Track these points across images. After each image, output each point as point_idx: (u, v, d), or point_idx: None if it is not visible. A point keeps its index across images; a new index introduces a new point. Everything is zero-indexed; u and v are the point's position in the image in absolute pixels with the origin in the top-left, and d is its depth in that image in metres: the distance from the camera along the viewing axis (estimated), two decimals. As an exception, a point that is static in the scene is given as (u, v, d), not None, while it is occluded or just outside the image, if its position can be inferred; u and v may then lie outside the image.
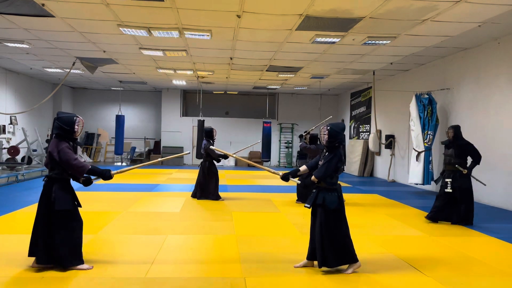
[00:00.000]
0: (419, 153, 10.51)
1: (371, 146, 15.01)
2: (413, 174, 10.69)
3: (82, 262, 4.22)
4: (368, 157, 15.90)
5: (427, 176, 10.44)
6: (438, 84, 11.08)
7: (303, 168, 4.74)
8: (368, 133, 16.07)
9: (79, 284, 3.85)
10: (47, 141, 17.15)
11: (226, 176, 14.28)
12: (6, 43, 10.39)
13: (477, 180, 6.98)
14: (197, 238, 5.72)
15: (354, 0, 6.77)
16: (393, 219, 7.25)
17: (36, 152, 15.40)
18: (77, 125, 4.25)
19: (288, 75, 14.29)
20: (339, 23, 7.95)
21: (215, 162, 8.96)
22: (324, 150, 4.55)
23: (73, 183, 4.40)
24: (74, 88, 20.36)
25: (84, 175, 4.21)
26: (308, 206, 4.41)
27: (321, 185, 4.39)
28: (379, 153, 15.31)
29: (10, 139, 15.18)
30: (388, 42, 9.26)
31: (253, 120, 20.12)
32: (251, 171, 16.95)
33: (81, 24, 8.51)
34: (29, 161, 14.84)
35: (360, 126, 17.06)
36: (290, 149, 20.27)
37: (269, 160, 17.65)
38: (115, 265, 4.34)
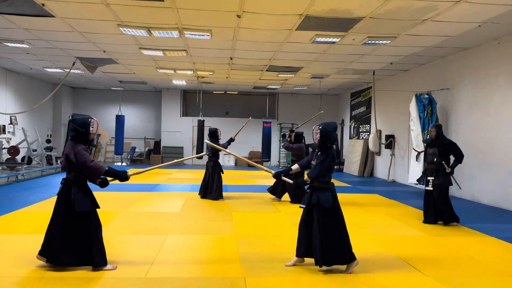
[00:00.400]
0: (419, 153, 10.51)
1: (371, 146, 15.01)
2: (413, 174, 10.69)
3: (106, 263, 4.24)
4: (368, 157, 15.90)
5: (427, 176, 10.43)
6: (438, 84, 11.08)
7: (295, 167, 4.75)
8: (368, 133, 16.07)
9: (79, 284, 3.85)
10: (47, 141, 17.16)
11: (226, 176, 14.25)
12: (6, 43, 10.39)
13: (455, 181, 6.96)
14: (197, 238, 5.72)
15: (354, 0, 6.77)
16: (393, 219, 7.25)
17: (36, 152, 15.40)
18: (92, 127, 4.26)
19: (288, 75, 14.29)
20: (339, 23, 7.95)
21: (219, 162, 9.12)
22: (317, 150, 4.54)
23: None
24: (74, 88, 20.36)
25: (101, 176, 4.22)
26: (303, 206, 4.41)
27: (315, 185, 4.40)
28: (379, 153, 15.32)
29: (10, 139, 15.18)
30: (388, 42, 9.26)
31: (253, 120, 20.03)
32: (251, 171, 16.95)
33: (81, 24, 8.51)
34: (29, 161, 14.85)
35: (360, 126, 17.06)
36: (290, 149, 20.25)
37: (269, 160, 17.64)
38: (114, 265, 4.33)
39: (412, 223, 6.88)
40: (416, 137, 10.69)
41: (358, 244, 5.41)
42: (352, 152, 16.98)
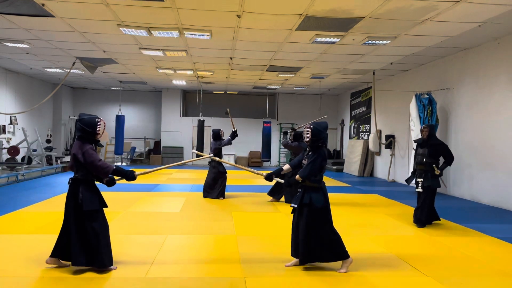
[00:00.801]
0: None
1: (371, 146, 15.01)
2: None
3: (112, 263, 4.24)
4: (368, 157, 15.90)
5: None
6: (438, 84, 11.08)
7: (286, 167, 4.75)
8: (368, 133, 16.07)
9: (79, 284, 3.86)
10: (47, 141, 17.16)
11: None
12: (6, 43, 10.39)
13: (441, 180, 6.91)
14: (197, 238, 5.72)
15: (354, 0, 6.77)
16: (393, 219, 7.25)
17: (36, 152, 15.40)
18: (99, 127, 4.26)
19: (288, 75, 14.29)
20: (339, 23, 7.95)
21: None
22: (308, 149, 4.55)
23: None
24: (74, 88, 20.36)
25: (109, 175, 4.22)
26: (295, 205, 4.42)
27: (307, 184, 4.40)
28: (379, 153, 15.32)
29: (10, 139, 15.18)
30: (388, 42, 9.26)
31: (253, 120, 20.12)
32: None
33: (81, 24, 8.51)
34: (29, 161, 14.84)
35: (360, 126, 17.06)
36: (290, 149, 20.25)
37: (269, 160, 17.65)
38: (115, 265, 4.33)
39: (412, 223, 6.87)
40: (416, 137, 10.69)
41: (358, 244, 5.42)
42: (352, 152, 16.98)
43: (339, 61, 11.78)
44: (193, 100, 20.50)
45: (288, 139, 9.21)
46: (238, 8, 7.27)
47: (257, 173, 4.87)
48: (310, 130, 4.40)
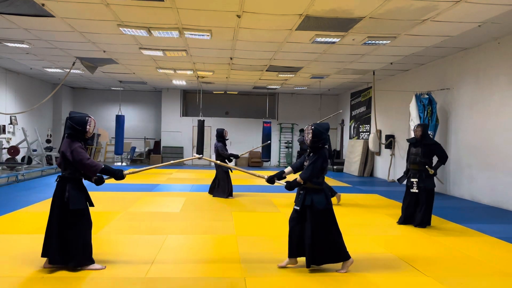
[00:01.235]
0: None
1: (371, 146, 15.01)
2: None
3: (93, 261, 4.23)
4: (368, 157, 15.90)
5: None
6: (438, 84, 11.08)
7: (288, 169, 4.70)
8: (368, 133, 16.07)
9: (79, 284, 3.86)
10: (47, 141, 17.16)
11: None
12: (6, 43, 10.40)
13: (438, 179, 6.86)
14: (197, 238, 5.72)
15: (354, 0, 6.77)
16: (393, 219, 7.24)
17: (36, 152, 15.40)
18: (89, 125, 4.26)
19: (288, 75, 14.29)
20: (339, 23, 7.95)
21: (227, 161, 9.27)
22: (308, 151, 4.52)
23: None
24: (74, 88, 20.36)
25: (97, 174, 4.22)
26: (297, 208, 4.39)
27: (308, 186, 4.37)
28: (379, 153, 15.32)
29: (10, 139, 15.18)
30: (388, 42, 9.26)
31: (253, 120, 20.13)
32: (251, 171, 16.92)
33: (81, 24, 8.51)
34: (29, 161, 14.85)
35: (360, 126, 17.06)
36: (290, 149, 20.27)
37: (269, 160, 17.66)
38: (115, 265, 4.34)
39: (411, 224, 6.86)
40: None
41: (358, 244, 5.42)
42: (352, 152, 16.98)
43: (339, 61, 11.78)
44: (193, 100, 20.50)
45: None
46: (238, 8, 7.27)
47: (259, 176, 4.84)
48: (311, 131, 4.38)
